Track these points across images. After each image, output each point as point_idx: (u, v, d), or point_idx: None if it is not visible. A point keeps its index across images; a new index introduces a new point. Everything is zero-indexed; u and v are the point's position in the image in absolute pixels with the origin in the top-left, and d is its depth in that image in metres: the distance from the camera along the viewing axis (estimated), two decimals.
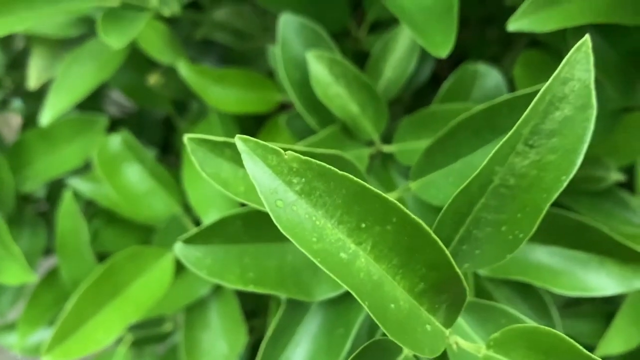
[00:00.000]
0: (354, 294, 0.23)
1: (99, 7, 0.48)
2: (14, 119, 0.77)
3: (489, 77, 0.46)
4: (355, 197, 0.24)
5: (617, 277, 0.41)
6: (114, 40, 0.44)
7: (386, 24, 0.53)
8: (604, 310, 0.59)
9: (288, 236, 0.23)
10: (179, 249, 0.36)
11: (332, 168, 0.23)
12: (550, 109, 0.28)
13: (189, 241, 0.37)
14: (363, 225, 0.24)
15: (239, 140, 0.23)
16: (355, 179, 0.23)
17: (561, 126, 0.28)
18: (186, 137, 0.30)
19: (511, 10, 0.39)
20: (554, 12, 0.38)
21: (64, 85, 0.53)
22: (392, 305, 0.25)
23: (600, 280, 0.41)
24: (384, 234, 0.24)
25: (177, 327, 0.64)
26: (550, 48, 0.49)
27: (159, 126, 0.71)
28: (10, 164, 0.58)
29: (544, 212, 0.29)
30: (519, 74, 0.47)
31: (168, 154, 0.73)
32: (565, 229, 0.41)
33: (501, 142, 0.28)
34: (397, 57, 0.48)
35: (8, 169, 0.57)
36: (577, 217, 0.40)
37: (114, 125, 0.66)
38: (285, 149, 0.23)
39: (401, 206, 0.24)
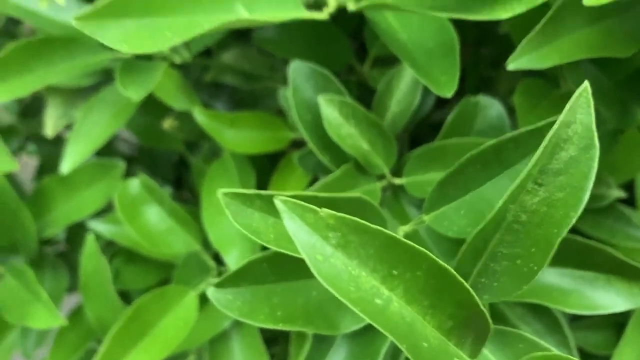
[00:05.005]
0: (391, 337, 0.25)
1: (115, 58, 0.51)
2: (30, 163, 0.79)
3: (491, 108, 0.49)
4: (387, 248, 0.26)
5: (624, 294, 0.43)
6: (133, 92, 0.46)
7: (387, 59, 0.56)
8: (615, 320, 0.61)
9: (328, 287, 0.25)
10: (211, 293, 0.38)
11: (365, 222, 0.26)
12: (556, 149, 0.31)
13: (219, 285, 0.39)
14: (395, 272, 0.27)
15: (278, 202, 0.25)
16: (387, 231, 0.26)
17: (567, 166, 0.31)
18: (220, 192, 0.32)
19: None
20: (550, 49, 0.40)
21: (81, 134, 0.55)
22: (425, 344, 0.27)
23: (609, 298, 0.43)
24: (414, 279, 0.27)
25: (200, 358, 0.66)
26: (546, 75, 0.52)
27: (171, 163, 0.73)
28: (31, 211, 0.60)
29: (556, 246, 0.31)
30: (518, 102, 0.50)
31: (181, 188, 0.75)
32: (572, 251, 0.43)
33: (514, 184, 0.31)
34: (402, 92, 0.51)
35: (30, 217, 0.59)
36: (583, 240, 0.42)
37: (127, 163, 0.68)
38: (320, 206, 0.26)
39: (430, 254, 0.26)
